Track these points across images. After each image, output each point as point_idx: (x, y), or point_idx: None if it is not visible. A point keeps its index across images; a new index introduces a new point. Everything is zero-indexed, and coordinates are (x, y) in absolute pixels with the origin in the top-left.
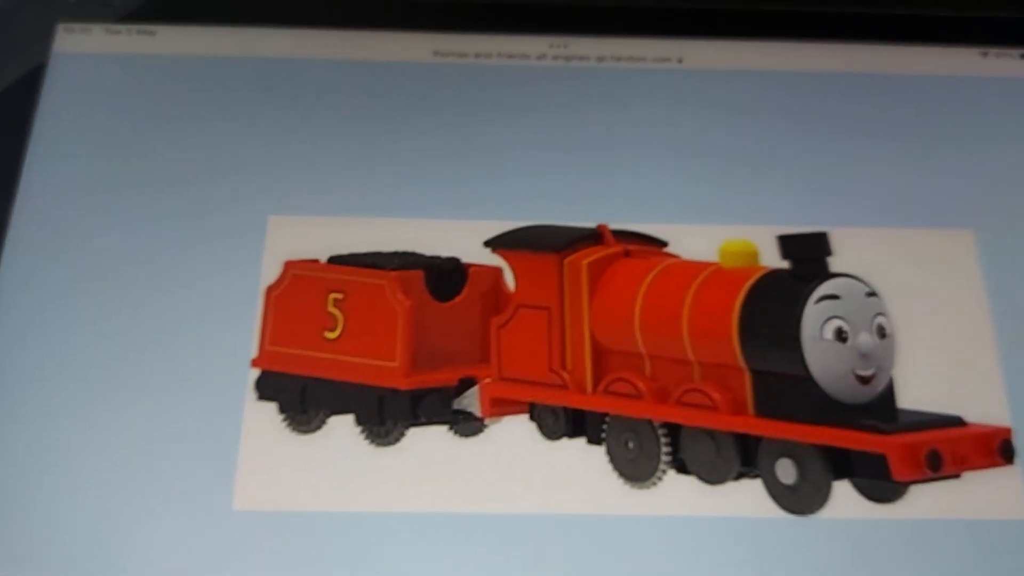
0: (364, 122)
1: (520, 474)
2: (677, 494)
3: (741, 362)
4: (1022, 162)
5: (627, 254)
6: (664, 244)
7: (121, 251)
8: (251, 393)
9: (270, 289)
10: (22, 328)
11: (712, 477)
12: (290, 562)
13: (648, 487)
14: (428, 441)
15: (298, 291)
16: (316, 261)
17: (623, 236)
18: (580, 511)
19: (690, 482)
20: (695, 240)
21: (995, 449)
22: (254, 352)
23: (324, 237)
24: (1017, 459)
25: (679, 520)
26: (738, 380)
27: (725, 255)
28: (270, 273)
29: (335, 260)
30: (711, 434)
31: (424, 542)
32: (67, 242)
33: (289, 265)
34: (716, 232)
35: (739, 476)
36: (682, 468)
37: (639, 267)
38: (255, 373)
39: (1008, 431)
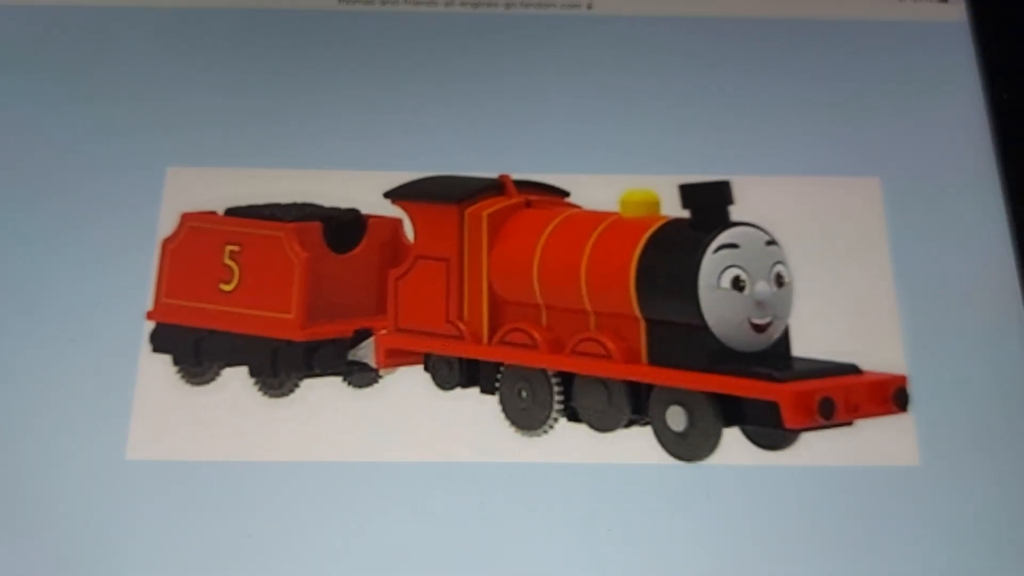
0: (266, 72)
1: (413, 424)
2: (568, 442)
3: (637, 311)
4: (933, 108)
5: (528, 204)
6: (566, 194)
7: (15, 197)
8: (146, 345)
9: (166, 241)
10: None
11: (603, 425)
12: (183, 511)
13: (539, 435)
14: (322, 391)
15: (194, 243)
16: (213, 213)
17: (525, 187)
18: (471, 459)
19: (581, 430)
20: (597, 190)
21: (889, 397)
22: (149, 304)
23: (224, 189)
24: (911, 406)
25: (569, 468)
26: (633, 329)
27: (626, 204)
28: (167, 225)
29: (232, 212)
30: (604, 383)
31: (316, 491)
32: None
33: (186, 217)
34: (618, 181)
35: (629, 424)
36: (573, 416)
37: (539, 217)
38: (151, 325)
39: (903, 379)
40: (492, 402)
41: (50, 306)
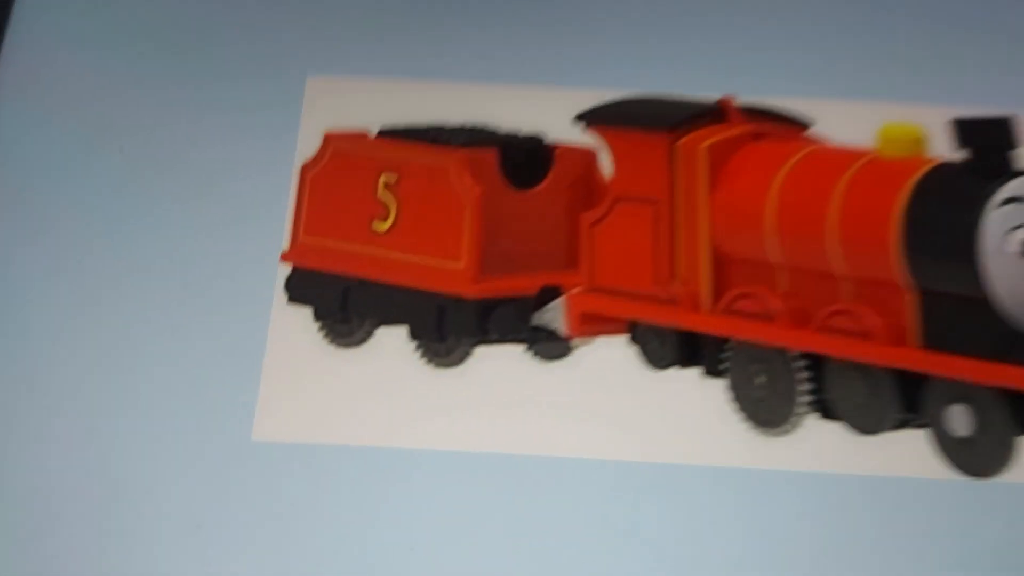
0: None
1: (614, 412)
2: (818, 444)
3: (904, 278)
4: None
5: (758, 136)
6: (806, 125)
7: (129, 116)
8: (280, 294)
9: (307, 167)
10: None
11: (865, 424)
12: (323, 508)
13: (782, 435)
14: (499, 362)
15: (341, 171)
16: (364, 135)
17: (753, 114)
18: (690, 461)
19: (835, 430)
20: (845, 121)
21: None
22: (285, 244)
23: (374, 104)
24: None
25: (822, 478)
26: (899, 301)
27: (885, 141)
28: (307, 147)
29: (388, 134)
30: (864, 370)
31: (490, 488)
32: (62, 105)
33: (331, 139)
34: (872, 111)
35: (899, 424)
36: (826, 412)
37: (773, 153)
38: (286, 270)
39: None
40: (718, 388)
41: (161, 246)
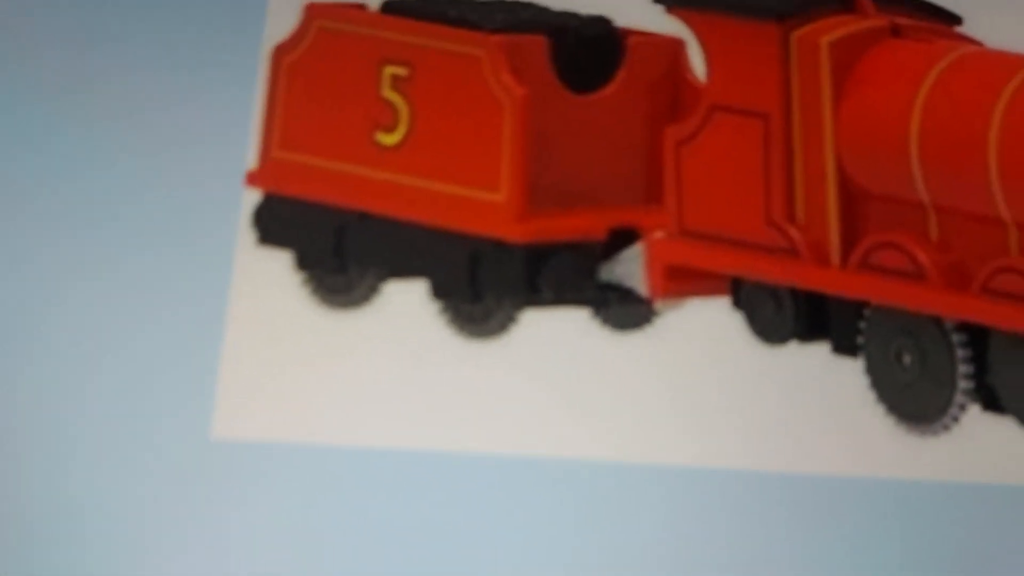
0: None
1: (714, 401)
2: (984, 444)
3: None
4: None
5: (896, 31)
6: (957, 20)
7: None
8: (247, 233)
9: (281, 50)
10: None
11: None
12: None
13: (938, 431)
14: (555, 333)
15: (330, 58)
16: (362, 7)
17: (887, 1)
18: (827, 470)
19: (1005, 426)
20: (1005, 17)
21: None
22: (252, 161)
23: None
24: None
25: (984, 490)
26: None
27: None
28: (281, 24)
29: (396, 8)
30: None
31: (546, 502)
32: None
33: (314, 11)
34: None
35: None
36: (991, 402)
37: (917, 54)
38: (254, 197)
39: None
40: (855, 369)
41: (96, 171)
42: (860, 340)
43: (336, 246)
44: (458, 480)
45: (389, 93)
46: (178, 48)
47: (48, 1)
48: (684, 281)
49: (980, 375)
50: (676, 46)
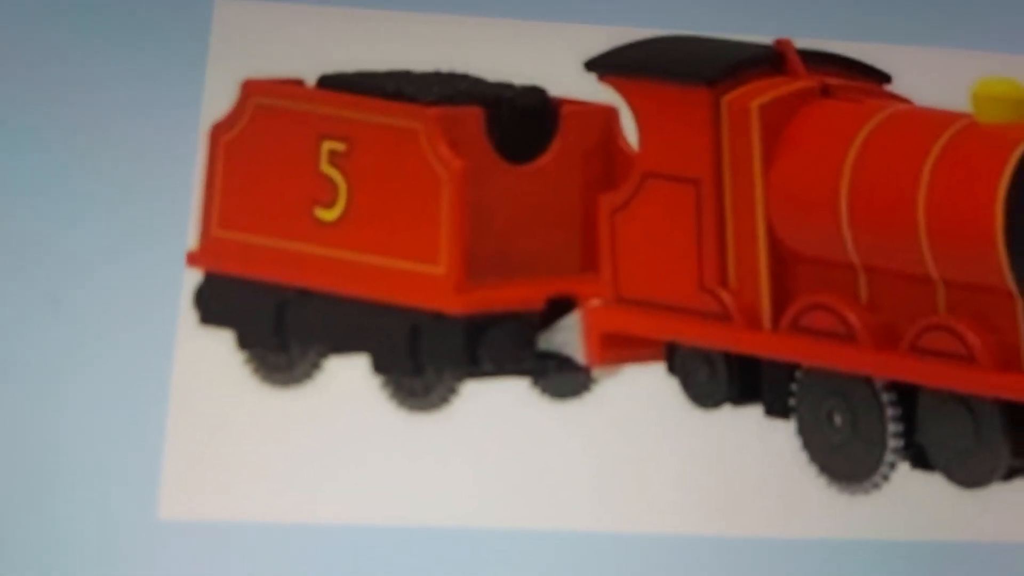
0: None
1: (654, 467)
2: (914, 503)
3: (1011, 283)
4: None
5: (826, 91)
6: (887, 79)
7: None
8: (188, 313)
9: (219, 128)
10: None
11: (969, 476)
12: None
13: (868, 490)
14: (495, 404)
15: (268, 135)
16: (298, 84)
17: (818, 61)
18: (757, 532)
19: (931, 483)
20: (932, 73)
21: None
22: (192, 240)
23: (310, 38)
24: None
25: (916, 548)
26: (1009, 312)
27: (981, 101)
28: (218, 100)
29: (332, 83)
30: (967, 403)
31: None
32: None
33: (251, 89)
34: (968, 63)
35: (1011, 473)
36: (921, 459)
37: (846, 115)
38: (195, 277)
39: None
40: (783, 430)
41: (33, 252)
42: (792, 402)
43: (276, 324)
44: (405, 553)
45: (327, 168)
46: (118, 134)
47: None
48: (620, 348)
49: (909, 433)
50: (609, 114)
